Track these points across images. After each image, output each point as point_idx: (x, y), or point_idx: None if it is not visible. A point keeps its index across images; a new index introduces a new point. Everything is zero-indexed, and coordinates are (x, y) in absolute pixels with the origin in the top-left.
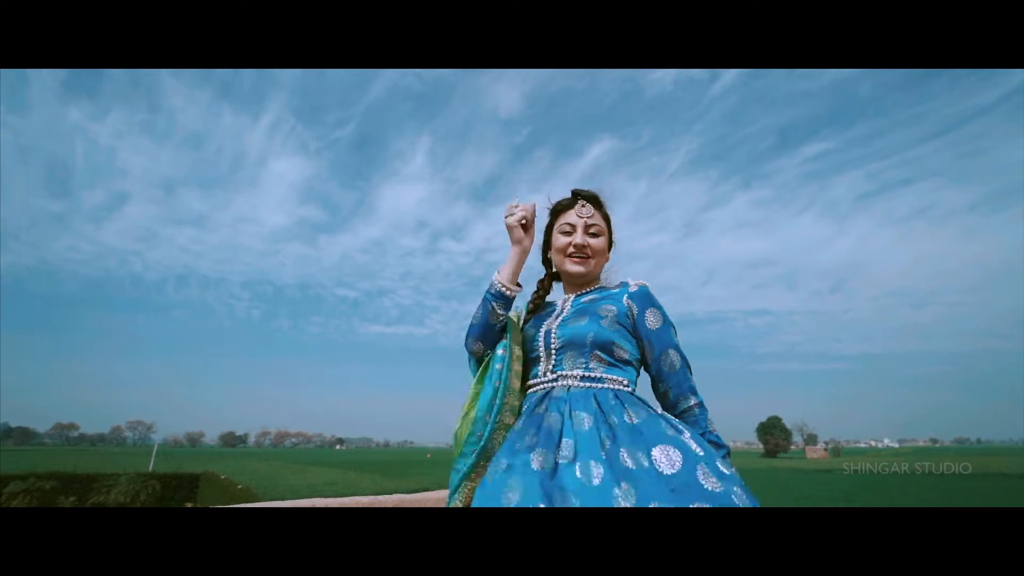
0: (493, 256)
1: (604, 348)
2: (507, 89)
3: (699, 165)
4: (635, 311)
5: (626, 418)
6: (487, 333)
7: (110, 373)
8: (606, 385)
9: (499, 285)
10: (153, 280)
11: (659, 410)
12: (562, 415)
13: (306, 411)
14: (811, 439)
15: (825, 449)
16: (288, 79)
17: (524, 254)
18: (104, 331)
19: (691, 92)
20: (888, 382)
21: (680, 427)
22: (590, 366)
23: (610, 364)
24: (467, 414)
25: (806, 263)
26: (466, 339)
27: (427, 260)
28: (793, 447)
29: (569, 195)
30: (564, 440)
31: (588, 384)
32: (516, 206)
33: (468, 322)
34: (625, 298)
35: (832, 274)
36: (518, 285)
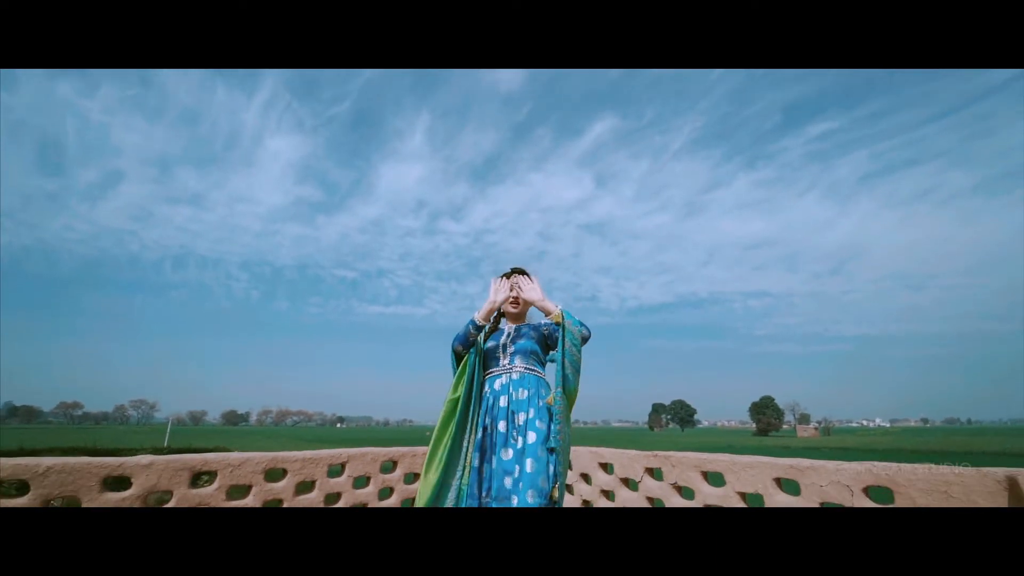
0: (492, 236)
1: (533, 353)
2: None
3: (702, 144)
4: (547, 330)
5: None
6: (466, 344)
7: (111, 352)
8: (535, 373)
9: (477, 318)
10: (151, 260)
11: (549, 398)
12: (509, 385)
13: (307, 390)
14: (803, 419)
15: (816, 428)
16: None
17: (494, 307)
18: (104, 311)
19: (696, 69)
20: (885, 363)
21: (544, 418)
22: (528, 363)
23: (537, 362)
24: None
25: (807, 245)
26: (453, 344)
27: (426, 240)
28: (785, 426)
29: (510, 270)
30: (512, 392)
31: (527, 372)
32: (505, 289)
33: (463, 317)
34: (543, 327)
35: (833, 256)
36: (487, 321)
